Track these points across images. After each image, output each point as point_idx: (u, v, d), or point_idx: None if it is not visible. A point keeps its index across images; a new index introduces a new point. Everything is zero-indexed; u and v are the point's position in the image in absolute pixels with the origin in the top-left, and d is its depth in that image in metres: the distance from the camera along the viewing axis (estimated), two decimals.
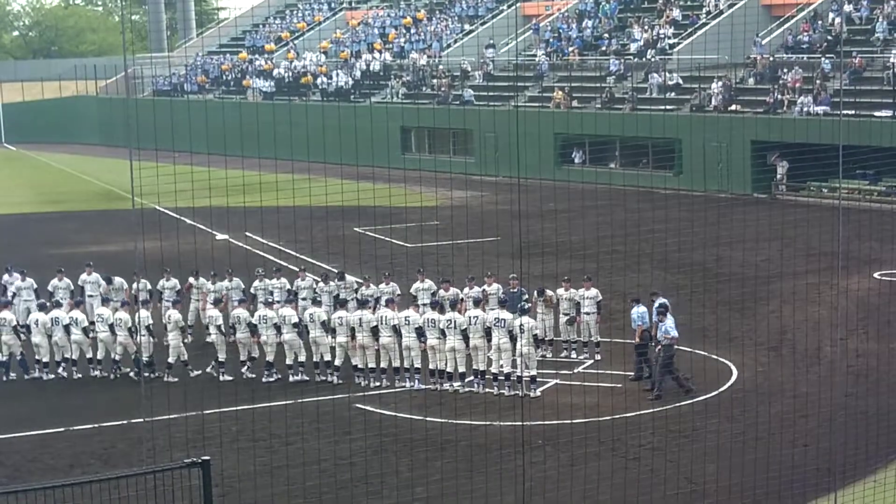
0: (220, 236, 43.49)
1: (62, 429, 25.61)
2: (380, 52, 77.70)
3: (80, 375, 29.37)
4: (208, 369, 29.05)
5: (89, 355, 29.39)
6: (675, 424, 24.19)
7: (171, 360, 28.89)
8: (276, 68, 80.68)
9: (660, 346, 26.49)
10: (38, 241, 47.61)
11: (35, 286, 32.59)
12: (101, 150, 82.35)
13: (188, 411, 24.42)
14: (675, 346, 26.76)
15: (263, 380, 28.33)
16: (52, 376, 29.38)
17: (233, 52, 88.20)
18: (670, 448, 23.13)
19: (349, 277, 32.12)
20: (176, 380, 28.51)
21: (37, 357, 29.45)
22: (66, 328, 29.17)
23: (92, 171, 72.04)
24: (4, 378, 29.40)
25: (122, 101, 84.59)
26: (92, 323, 29.61)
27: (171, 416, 24.22)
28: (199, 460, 13.68)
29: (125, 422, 25.39)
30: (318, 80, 76.62)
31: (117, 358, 29.18)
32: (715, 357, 28.64)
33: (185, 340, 29.78)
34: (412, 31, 79.56)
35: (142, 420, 23.62)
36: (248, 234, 43.15)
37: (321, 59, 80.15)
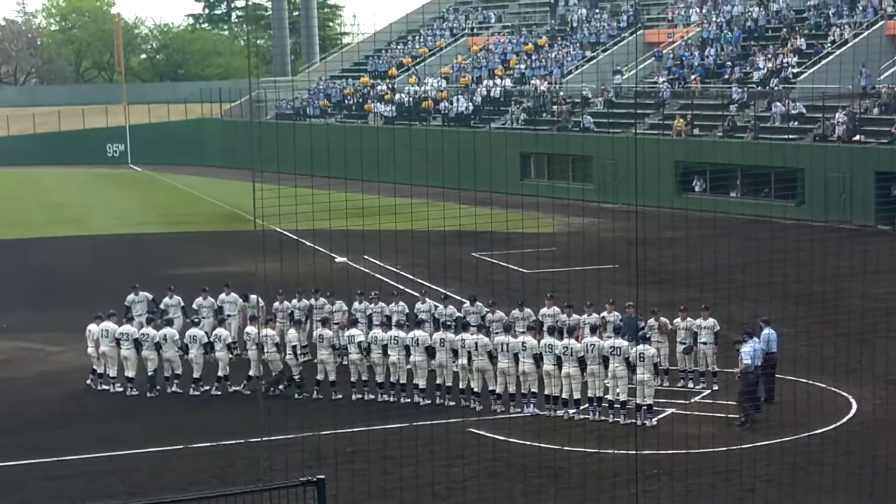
0: (339, 259, 43.84)
1: (181, 446, 26.02)
2: (501, 77, 77.95)
3: (197, 392, 30.01)
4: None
5: (221, 373, 29.99)
6: (792, 457, 23.93)
7: (324, 377, 29.47)
8: (398, 93, 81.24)
9: (739, 375, 26.45)
10: (163, 261, 48.36)
11: (182, 304, 33.48)
12: (224, 173, 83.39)
13: (305, 432, 24.68)
14: (754, 374, 26.50)
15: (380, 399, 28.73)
16: (180, 390, 30.06)
17: (355, 76, 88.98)
18: (786, 480, 22.89)
19: (478, 304, 32.03)
20: (341, 397, 29.07)
21: (166, 374, 30.23)
22: (207, 346, 29.88)
23: (215, 192, 73.05)
24: (148, 394, 30.09)
25: (246, 124, 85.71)
26: (235, 342, 30.77)
27: (289, 437, 24.48)
28: (315, 479, 13.78)
29: (243, 441, 25.72)
30: (441, 105, 76.95)
31: (252, 374, 29.75)
32: (833, 389, 28.30)
33: (336, 360, 30.23)
34: (533, 57, 79.68)
35: (260, 439, 23.89)
36: (366, 257, 43.46)
37: (442, 85, 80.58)
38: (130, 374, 30.22)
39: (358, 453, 24.60)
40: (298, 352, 29.74)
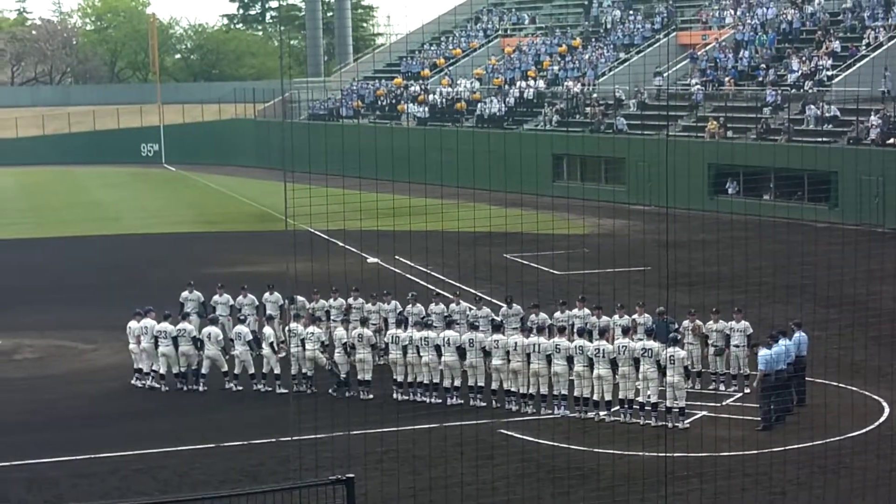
0: (370, 259, 43.89)
1: (213, 444, 26.14)
2: (534, 79, 77.90)
3: (241, 387, 30.32)
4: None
5: (265, 370, 30.25)
6: (822, 460, 23.87)
7: (367, 377, 29.59)
8: (431, 94, 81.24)
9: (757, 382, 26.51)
10: (197, 259, 48.55)
11: (231, 302, 33.75)
12: (257, 173, 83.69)
13: (335, 431, 24.76)
14: (773, 377, 26.43)
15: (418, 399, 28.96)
16: (232, 386, 30.39)
17: (388, 77, 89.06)
18: (816, 484, 22.83)
19: (516, 306, 32.02)
20: (372, 397, 29.23)
21: (203, 371, 30.46)
22: (251, 343, 30.12)
23: (248, 192, 73.28)
24: (185, 388, 30.39)
25: (279, 124, 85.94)
26: (283, 341, 31.13)
27: (319, 436, 24.56)
28: (344, 478, 13.82)
29: (274, 440, 25.83)
30: (478, 106, 76.83)
31: (309, 374, 29.92)
32: (865, 392, 28.20)
33: (377, 359, 30.39)
34: (567, 58, 79.60)
35: (291, 438, 23.98)
36: (397, 257, 43.52)
37: (475, 86, 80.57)
38: (167, 369, 30.48)
39: (388, 453, 24.67)
40: (349, 349, 29.86)
